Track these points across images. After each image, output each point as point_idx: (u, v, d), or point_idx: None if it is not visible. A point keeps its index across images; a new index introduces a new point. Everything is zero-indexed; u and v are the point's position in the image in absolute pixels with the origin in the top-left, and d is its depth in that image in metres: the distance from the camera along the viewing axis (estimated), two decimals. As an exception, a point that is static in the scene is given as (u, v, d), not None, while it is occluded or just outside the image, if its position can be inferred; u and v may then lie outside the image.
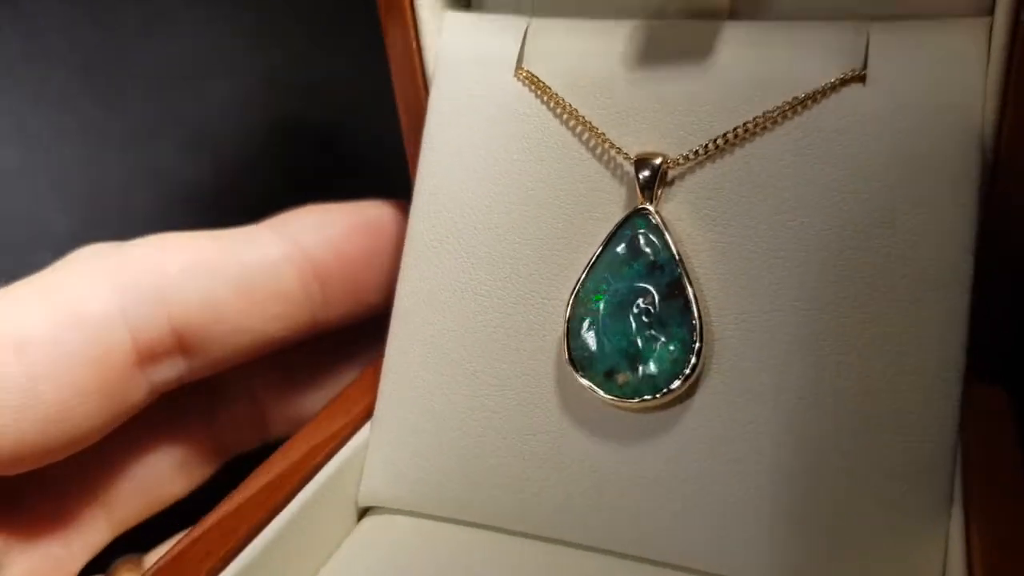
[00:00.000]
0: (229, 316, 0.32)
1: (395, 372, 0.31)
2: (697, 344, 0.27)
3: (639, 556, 0.28)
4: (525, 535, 0.29)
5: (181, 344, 0.32)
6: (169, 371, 0.32)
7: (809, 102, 0.28)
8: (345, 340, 0.36)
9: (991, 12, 0.27)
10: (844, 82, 0.27)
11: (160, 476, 0.34)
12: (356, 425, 0.31)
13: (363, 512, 0.31)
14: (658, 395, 0.27)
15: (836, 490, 0.26)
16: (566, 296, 0.28)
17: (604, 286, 0.28)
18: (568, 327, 0.28)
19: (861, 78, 0.27)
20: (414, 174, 0.32)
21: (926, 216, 0.26)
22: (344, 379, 0.37)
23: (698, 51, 0.29)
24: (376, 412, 0.31)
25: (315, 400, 0.36)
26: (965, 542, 0.24)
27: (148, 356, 0.31)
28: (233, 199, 0.49)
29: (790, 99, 0.28)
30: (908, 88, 0.27)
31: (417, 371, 0.30)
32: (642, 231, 0.28)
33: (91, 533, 0.32)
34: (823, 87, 0.27)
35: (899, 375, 0.26)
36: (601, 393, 0.27)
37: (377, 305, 0.34)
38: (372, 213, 0.34)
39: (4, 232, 0.48)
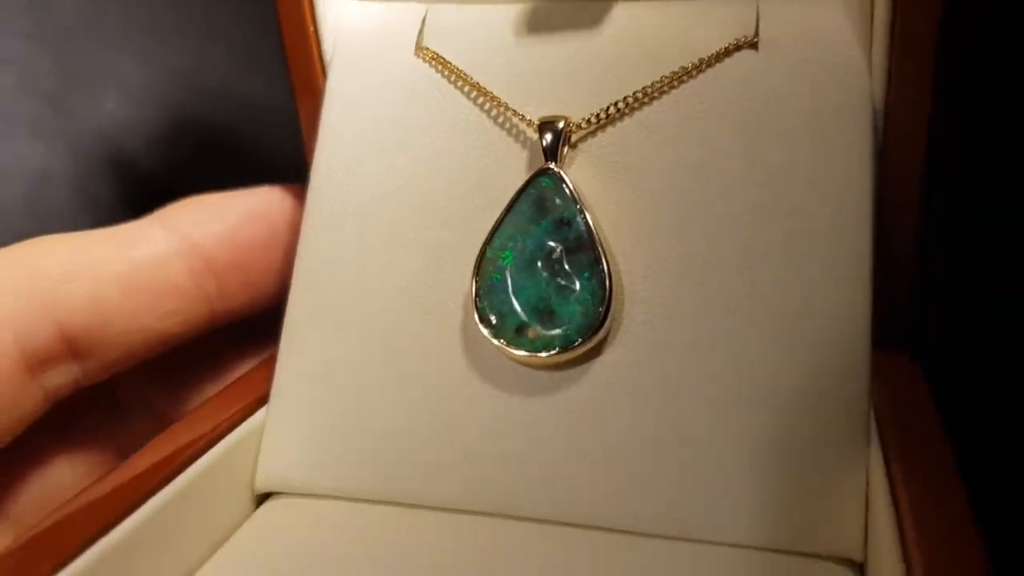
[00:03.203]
0: (119, 316, 0.30)
1: (293, 350, 0.29)
2: (607, 297, 0.26)
3: (556, 520, 0.26)
4: (440, 509, 0.27)
5: (72, 348, 0.30)
6: (62, 377, 0.30)
7: (704, 66, 0.28)
8: (246, 339, 0.35)
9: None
10: (737, 47, 0.28)
11: (63, 490, 0.31)
12: (251, 409, 0.29)
13: (262, 499, 0.29)
14: (570, 348, 0.26)
15: (752, 437, 0.26)
16: (473, 259, 0.28)
17: (512, 244, 0.27)
18: (476, 287, 0.27)
19: (753, 45, 0.28)
20: (310, 157, 0.31)
21: (823, 171, 0.27)
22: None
23: (594, 26, 0.30)
24: (273, 391, 0.29)
25: None
26: (887, 477, 0.24)
27: (38, 363, 0.29)
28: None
29: (686, 64, 0.28)
30: (798, 53, 0.28)
31: (316, 347, 0.29)
32: (548, 189, 0.28)
33: None
34: (717, 53, 0.28)
35: (809, 321, 0.26)
36: (512, 350, 0.26)
37: (276, 294, 0.33)
38: (264, 200, 0.33)
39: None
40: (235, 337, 0.34)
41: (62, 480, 0.32)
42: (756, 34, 0.29)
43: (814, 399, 0.26)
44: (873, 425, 0.26)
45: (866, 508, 0.25)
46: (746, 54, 0.28)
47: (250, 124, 0.46)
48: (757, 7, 0.29)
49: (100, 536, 0.23)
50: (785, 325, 0.26)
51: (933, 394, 0.28)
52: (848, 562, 0.25)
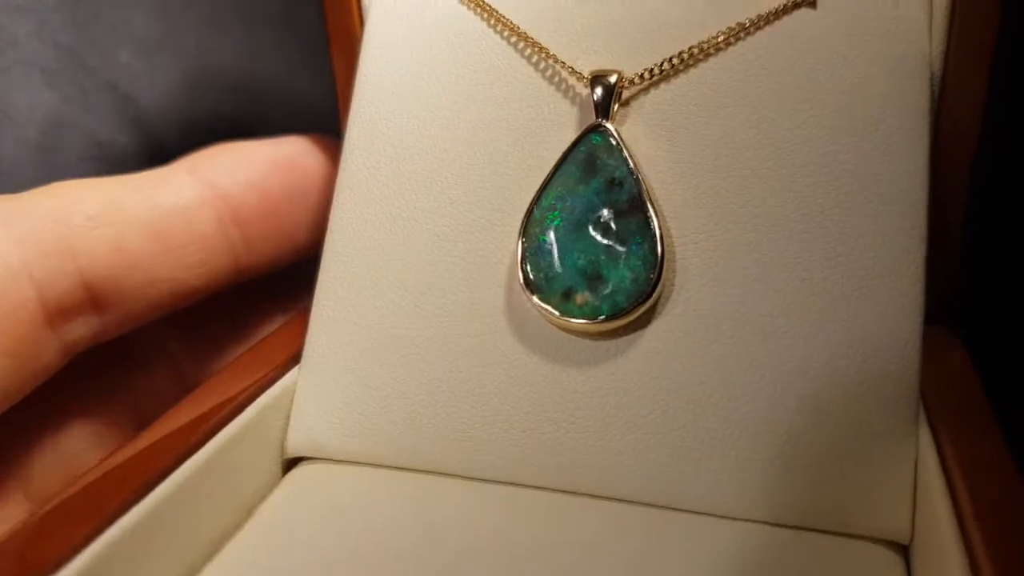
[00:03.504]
0: (143, 265, 0.29)
1: (327, 309, 0.28)
2: (659, 262, 0.25)
3: (599, 495, 0.26)
4: (479, 479, 0.26)
5: (93, 298, 0.29)
6: (82, 328, 0.29)
7: (762, 23, 0.27)
8: (272, 296, 0.34)
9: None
10: (796, 5, 0.27)
11: (79, 450, 0.30)
12: (282, 370, 0.28)
13: (291, 463, 0.28)
14: (619, 315, 0.25)
15: (802, 415, 0.25)
16: (518, 219, 0.27)
17: (560, 204, 0.26)
18: (522, 249, 0.26)
19: (811, 3, 0.27)
20: (345, 109, 0.30)
21: (880, 135, 0.26)
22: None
23: (649, -22, 0.28)
24: (305, 353, 0.28)
25: None
26: (939, 461, 0.23)
27: (58, 313, 0.28)
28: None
29: (744, 21, 0.27)
30: (857, 12, 0.27)
31: (352, 306, 0.28)
32: (599, 147, 0.26)
33: (9, 507, 0.28)
34: (775, 10, 0.27)
35: (863, 295, 0.25)
36: (558, 315, 0.25)
37: (304, 247, 0.32)
38: (293, 149, 0.32)
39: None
40: (259, 296, 0.33)
41: (77, 442, 0.31)
42: None
43: (863, 375, 0.25)
44: (921, 405, 0.25)
45: (914, 490, 0.24)
46: (804, 12, 0.27)
47: (270, 80, 0.45)
48: (817, -36, 0.28)
49: (131, 505, 0.22)
50: (837, 297, 0.25)
51: (980, 375, 0.27)
52: (893, 545, 0.24)
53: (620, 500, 0.25)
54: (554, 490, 0.26)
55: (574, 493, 0.26)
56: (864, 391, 0.25)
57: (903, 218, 0.26)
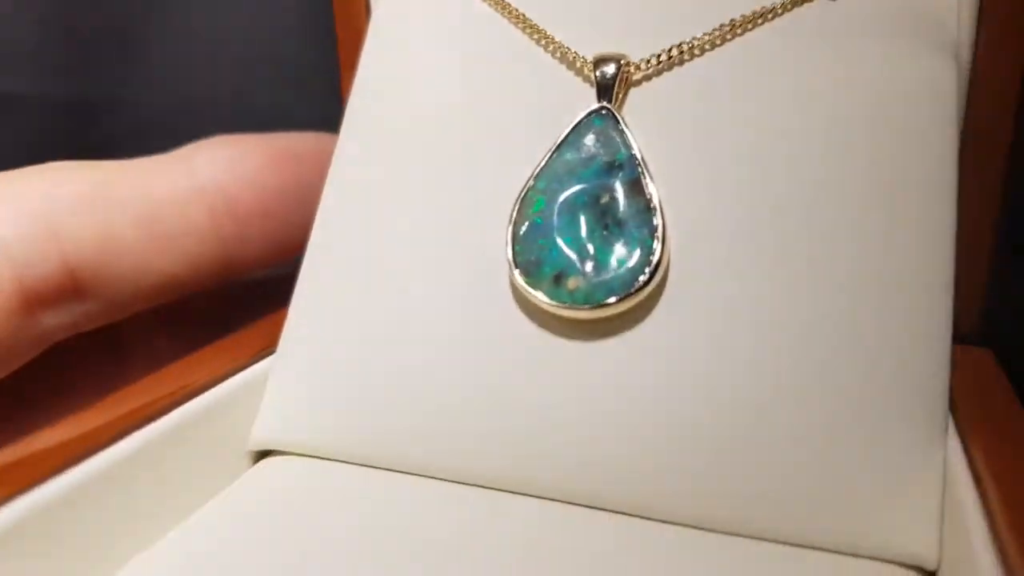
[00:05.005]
0: (130, 253, 0.28)
1: (307, 300, 0.27)
2: (658, 247, 0.23)
3: (578, 502, 0.23)
4: (459, 482, 0.24)
5: (76, 285, 0.28)
6: (62, 316, 0.28)
7: (772, 16, 0.26)
8: (262, 300, 0.32)
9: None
10: (814, -5, 0.26)
11: None
12: (257, 358, 0.26)
13: (260, 454, 0.26)
14: (613, 300, 0.23)
15: (812, 425, 0.22)
16: (512, 200, 0.25)
17: (556, 185, 0.25)
18: (514, 231, 0.25)
19: (829, -6, 0.26)
20: (347, 92, 0.29)
21: (901, 138, 0.24)
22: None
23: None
24: (281, 342, 0.26)
25: None
26: (971, 473, 0.21)
27: (37, 298, 0.27)
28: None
29: (758, 8, 0.26)
30: (876, 5, 0.26)
31: (332, 297, 0.26)
32: (600, 130, 0.25)
33: None
34: (790, 0, 0.26)
35: (886, 295, 0.23)
36: (548, 301, 0.24)
37: (299, 245, 0.31)
38: (289, 143, 0.31)
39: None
40: (249, 299, 0.32)
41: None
42: None
43: (883, 387, 0.23)
44: (951, 419, 0.23)
45: (942, 508, 0.22)
46: (819, 4, 0.26)
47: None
48: (835, -46, 0.27)
49: (72, 464, 0.21)
50: (856, 296, 0.23)
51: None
52: (918, 570, 0.22)
53: (598, 508, 0.23)
54: (522, 493, 0.24)
55: (547, 499, 0.24)
56: (885, 397, 0.22)
57: (931, 217, 0.24)
